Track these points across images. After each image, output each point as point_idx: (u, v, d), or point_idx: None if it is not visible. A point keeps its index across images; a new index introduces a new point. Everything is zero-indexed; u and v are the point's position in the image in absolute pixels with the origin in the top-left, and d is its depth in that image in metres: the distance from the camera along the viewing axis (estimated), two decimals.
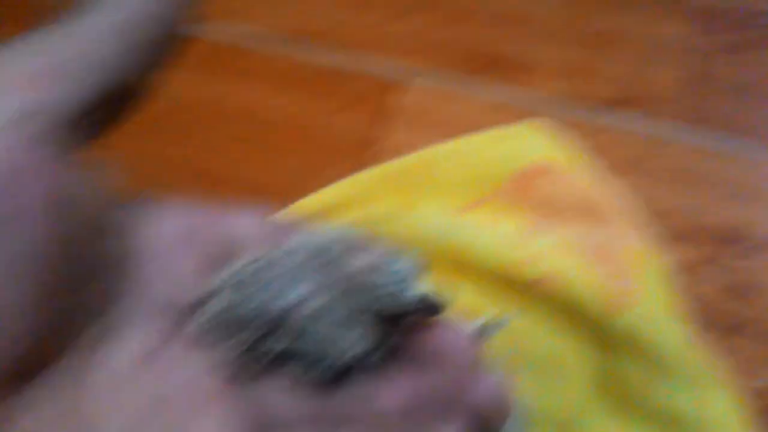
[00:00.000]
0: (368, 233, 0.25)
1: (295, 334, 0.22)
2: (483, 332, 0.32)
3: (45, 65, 0.17)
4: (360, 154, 0.39)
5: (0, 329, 0.15)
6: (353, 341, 0.22)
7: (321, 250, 0.23)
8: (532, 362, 0.32)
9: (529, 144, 0.36)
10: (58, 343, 0.17)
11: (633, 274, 0.32)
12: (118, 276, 0.18)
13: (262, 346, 0.22)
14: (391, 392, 0.22)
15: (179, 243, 0.21)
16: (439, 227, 0.33)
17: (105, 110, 0.18)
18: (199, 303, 0.21)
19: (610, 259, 0.32)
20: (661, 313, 0.31)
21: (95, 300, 0.18)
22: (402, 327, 0.22)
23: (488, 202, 0.35)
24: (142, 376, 0.18)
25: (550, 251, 0.32)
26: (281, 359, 0.22)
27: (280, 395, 0.22)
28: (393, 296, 0.21)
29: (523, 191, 0.35)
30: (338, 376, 0.23)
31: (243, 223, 0.23)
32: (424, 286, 0.22)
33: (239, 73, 0.43)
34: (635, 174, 0.37)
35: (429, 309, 0.22)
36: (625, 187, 0.35)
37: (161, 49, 0.19)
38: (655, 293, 0.32)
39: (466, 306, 0.32)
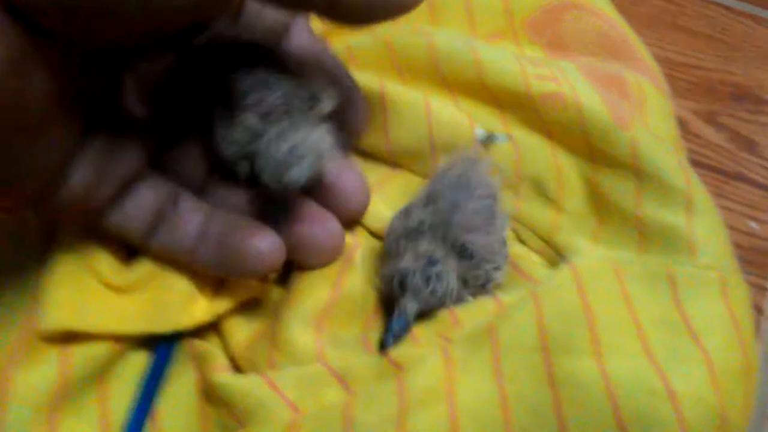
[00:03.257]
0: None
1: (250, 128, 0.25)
2: (485, 141, 0.33)
3: None
4: None
5: None
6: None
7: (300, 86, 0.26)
8: (530, 176, 0.32)
9: None
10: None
11: (640, 105, 0.33)
12: None
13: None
14: None
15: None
16: (460, 44, 0.34)
17: None
18: None
19: (620, 87, 0.33)
20: (663, 141, 0.31)
21: None
22: None
23: (514, 33, 0.36)
24: None
25: (564, 72, 0.33)
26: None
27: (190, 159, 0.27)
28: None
29: (549, 23, 0.36)
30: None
31: None
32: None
33: None
34: (661, 27, 0.37)
35: None
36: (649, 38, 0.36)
37: None
38: (659, 125, 0.32)
39: (475, 118, 0.33)
